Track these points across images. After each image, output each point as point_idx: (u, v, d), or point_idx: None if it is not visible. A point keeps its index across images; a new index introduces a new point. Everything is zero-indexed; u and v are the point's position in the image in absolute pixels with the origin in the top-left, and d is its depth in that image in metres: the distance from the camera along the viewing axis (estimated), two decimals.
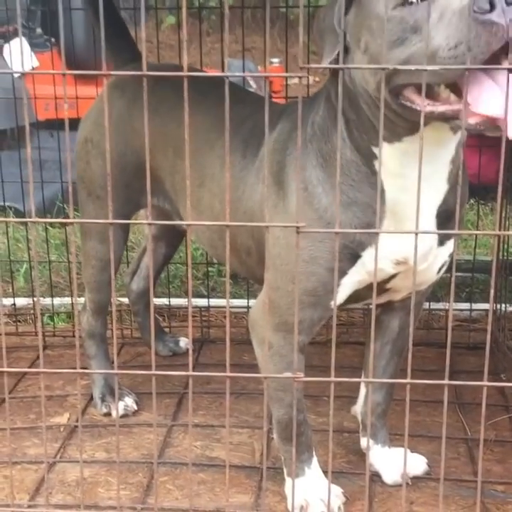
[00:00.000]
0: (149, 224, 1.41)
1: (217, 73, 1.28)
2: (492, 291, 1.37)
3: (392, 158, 1.66)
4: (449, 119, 1.52)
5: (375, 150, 1.67)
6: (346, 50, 1.63)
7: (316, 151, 1.75)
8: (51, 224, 3.93)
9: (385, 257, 1.72)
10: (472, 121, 1.46)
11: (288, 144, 1.82)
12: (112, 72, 1.29)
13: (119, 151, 2.20)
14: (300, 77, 1.31)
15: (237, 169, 1.95)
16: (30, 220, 1.38)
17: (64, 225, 3.66)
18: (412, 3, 1.47)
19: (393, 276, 1.81)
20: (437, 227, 1.75)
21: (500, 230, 2.70)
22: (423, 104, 1.36)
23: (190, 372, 1.45)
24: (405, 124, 1.60)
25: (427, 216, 1.73)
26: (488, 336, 1.35)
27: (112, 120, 2.22)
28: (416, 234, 1.32)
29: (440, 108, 1.51)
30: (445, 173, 1.72)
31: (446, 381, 1.38)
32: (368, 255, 1.73)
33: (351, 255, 1.74)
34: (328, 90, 1.75)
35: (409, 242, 1.72)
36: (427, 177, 1.66)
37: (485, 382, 1.36)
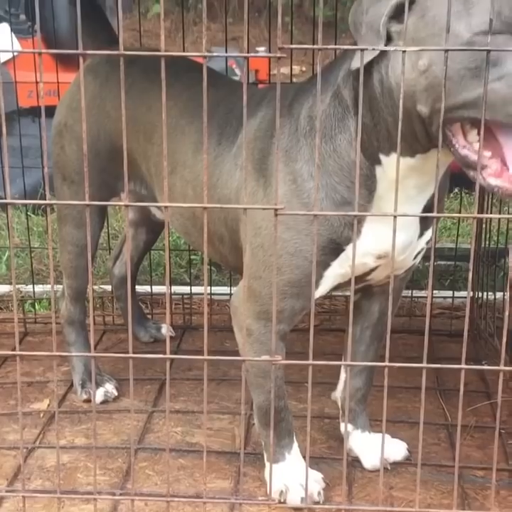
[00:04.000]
0: (126, 206, 1.40)
1: (196, 53, 1.27)
2: (470, 274, 1.37)
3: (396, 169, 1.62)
4: (468, 167, 1.48)
5: (382, 157, 1.65)
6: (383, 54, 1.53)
7: (313, 147, 1.71)
8: (33, 211, 3.90)
9: (369, 253, 1.75)
10: (493, 182, 1.45)
11: (273, 132, 1.78)
12: (88, 52, 1.28)
13: (92, 135, 2.17)
14: (278, 58, 1.30)
15: (212, 156, 1.91)
16: (7, 201, 1.37)
17: (45, 211, 3.64)
18: (497, 32, 1.35)
19: (374, 269, 1.82)
20: (419, 222, 1.78)
21: (479, 213, 2.70)
22: (463, 144, 1.40)
23: (168, 356, 1.44)
24: (430, 145, 1.57)
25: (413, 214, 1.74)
26: (466, 319, 1.35)
27: (85, 104, 2.20)
28: (394, 217, 1.32)
29: (463, 152, 1.48)
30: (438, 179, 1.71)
31: (424, 365, 1.38)
32: (351, 248, 1.73)
33: (335, 249, 1.75)
34: (339, 88, 1.68)
35: (391, 237, 1.74)
36: (424, 186, 1.68)
37: (462, 366, 1.36)
